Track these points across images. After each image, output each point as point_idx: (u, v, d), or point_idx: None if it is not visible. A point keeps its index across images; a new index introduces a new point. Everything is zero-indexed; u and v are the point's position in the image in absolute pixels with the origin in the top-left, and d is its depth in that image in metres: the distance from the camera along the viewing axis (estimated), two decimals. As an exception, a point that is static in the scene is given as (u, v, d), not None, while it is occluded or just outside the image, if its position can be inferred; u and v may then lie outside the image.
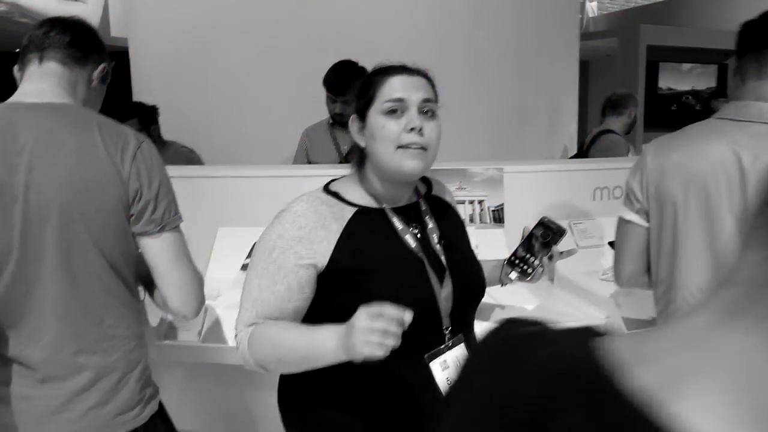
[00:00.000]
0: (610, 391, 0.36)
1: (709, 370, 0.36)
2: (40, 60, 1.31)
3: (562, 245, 1.40)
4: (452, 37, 3.56)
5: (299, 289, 1.15)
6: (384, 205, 1.23)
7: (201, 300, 1.35)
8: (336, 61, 2.78)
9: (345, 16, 3.38)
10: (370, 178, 1.24)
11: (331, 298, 1.17)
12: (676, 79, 7.34)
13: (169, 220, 1.30)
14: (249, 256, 1.47)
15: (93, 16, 6.28)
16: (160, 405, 1.43)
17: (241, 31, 3.45)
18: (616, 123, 3.63)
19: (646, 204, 1.46)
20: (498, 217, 2.09)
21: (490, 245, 2.03)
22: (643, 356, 0.38)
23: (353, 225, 1.18)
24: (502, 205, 2.10)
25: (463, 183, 2.08)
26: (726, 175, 1.32)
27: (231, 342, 1.72)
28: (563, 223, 1.41)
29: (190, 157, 3.20)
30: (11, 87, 1.32)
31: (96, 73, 1.40)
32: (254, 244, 1.24)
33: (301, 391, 1.25)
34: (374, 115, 1.19)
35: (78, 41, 1.34)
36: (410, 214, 1.26)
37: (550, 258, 1.36)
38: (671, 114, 7.20)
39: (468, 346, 1.24)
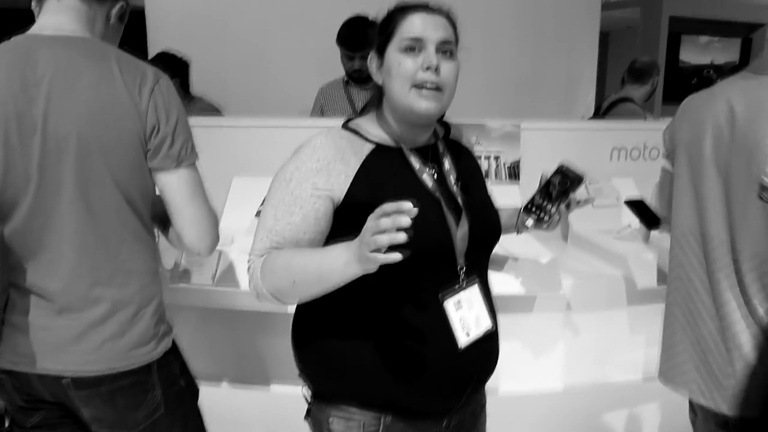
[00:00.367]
0: None
1: None
2: None
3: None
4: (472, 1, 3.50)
5: (315, 221, 1.15)
6: (402, 145, 1.22)
7: (215, 237, 1.36)
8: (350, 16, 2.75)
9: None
10: (387, 118, 1.23)
11: (347, 234, 1.17)
12: (698, 52, 7.19)
13: (186, 156, 1.30)
14: (263, 203, 1.48)
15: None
16: (174, 343, 1.45)
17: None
18: (637, 91, 3.56)
19: (672, 150, 1.54)
20: (514, 173, 2.08)
21: (505, 201, 2.02)
22: None
23: (371, 161, 1.18)
24: (519, 161, 2.08)
25: (480, 138, 2.06)
26: (715, 124, 1.36)
27: (244, 286, 1.74)
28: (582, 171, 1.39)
29: (216, 114, 3.20)
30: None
31: (114, 11, 1.39)
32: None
33: (315, 327, 1.25)
34: (392, 51, 1.18)
35: None
36: (428, 155, 1.25)
37: (568, 206, 1.35)
38: (692, 88, 7.07)
39: (482, 288, 1.24)
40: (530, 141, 2.12)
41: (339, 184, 1.15)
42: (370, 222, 0.94)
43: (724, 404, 1.35)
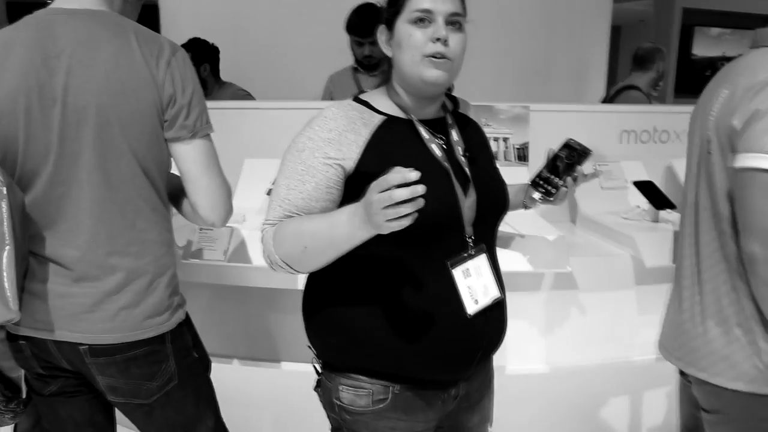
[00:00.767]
0: None
1: None
2: None
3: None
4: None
5: (327, 190, 1.17)
6: (411, 116, 1.24)
7: (229, 208, 1.38)
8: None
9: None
10: (397, 89, 1.25)
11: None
12: (710, 45, 7.13)
13: (201, 127, 1.33)
14: (276, 178, 1.50)
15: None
16: (187, 316, 1.47)
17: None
18: (642, 78, 3.55)
19: None
20: (522, 155, 2.09)
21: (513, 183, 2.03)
22: None
23: (382, 131, 1.20)
24: (527, 143, 2.09)
25: (489, 120, 2.08)
26: (702, 106, 1.38)
27: (256, 262, 1.76)
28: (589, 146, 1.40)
29: (248, 99, 3.23)
30: None
31: None
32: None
33: (324, 298, 1.27)
34: (402, 23, 1.20)
35: None
36: (436, 127, 1.27)
37: (575, 179, 1.36)
38: (705, 80, 7.02)
39: (489, 258, 1.26)
40: (539, 123, 2.13)
41: (350, 154, 1.17)
42: (377, 194, 0.94)
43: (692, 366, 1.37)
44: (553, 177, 1.35)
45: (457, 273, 1.20)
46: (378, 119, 1.22)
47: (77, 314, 1.31)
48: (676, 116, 2.40)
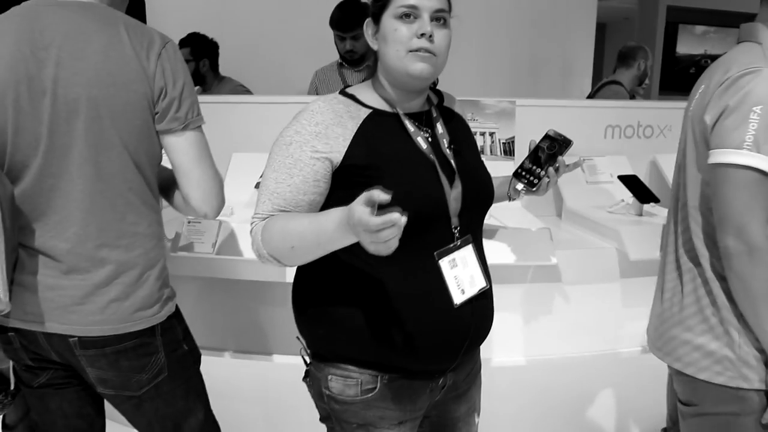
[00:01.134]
0: None
1: None
2: None
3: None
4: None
5: (314, 183, 1.19)
6: (397, 109, 1.26)
7: (221, 199, 1.39)
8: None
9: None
10: (382, 83, 1.26)
11: (345, 195, 1.20)
12: (694, 43, 7.21)
13: (192, 119, 1.33)
14: (264, 172, 1.51)
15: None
16: (177, 308, 1.48)
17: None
18: (625, 75, 3.64)
19: None
20: (508, 149, 2.11)
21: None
22: None
23: (368, 124, 1.21)
24: (513, 138, 2.11)
25: (475, 114, 2.10)
26: (688, 101, 1.40)
27: (245, 255, 1.77)
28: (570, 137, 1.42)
29: (245, 95, 3.23)
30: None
31: None
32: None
33: (313, 288, 1.29)
34: (388, 18, 1.21)
35: None
36: (422, 120, 1.29)
37: (557, 169, 1.38)
38: (689, 77, 7.12)
39: (476, 249, 1.28)
40: (525, 118, 2.16)
41: (337, 147, 1.18)
42: (362, 213, 0.92)
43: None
44: (535, 168, 1.38)
45: (444, 264, 1.22)
46: (364, 112, 1.23)
47: (67, 306, 1.31)
48: (660, 111, 2.43)
